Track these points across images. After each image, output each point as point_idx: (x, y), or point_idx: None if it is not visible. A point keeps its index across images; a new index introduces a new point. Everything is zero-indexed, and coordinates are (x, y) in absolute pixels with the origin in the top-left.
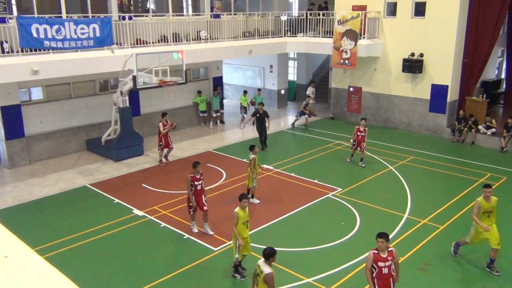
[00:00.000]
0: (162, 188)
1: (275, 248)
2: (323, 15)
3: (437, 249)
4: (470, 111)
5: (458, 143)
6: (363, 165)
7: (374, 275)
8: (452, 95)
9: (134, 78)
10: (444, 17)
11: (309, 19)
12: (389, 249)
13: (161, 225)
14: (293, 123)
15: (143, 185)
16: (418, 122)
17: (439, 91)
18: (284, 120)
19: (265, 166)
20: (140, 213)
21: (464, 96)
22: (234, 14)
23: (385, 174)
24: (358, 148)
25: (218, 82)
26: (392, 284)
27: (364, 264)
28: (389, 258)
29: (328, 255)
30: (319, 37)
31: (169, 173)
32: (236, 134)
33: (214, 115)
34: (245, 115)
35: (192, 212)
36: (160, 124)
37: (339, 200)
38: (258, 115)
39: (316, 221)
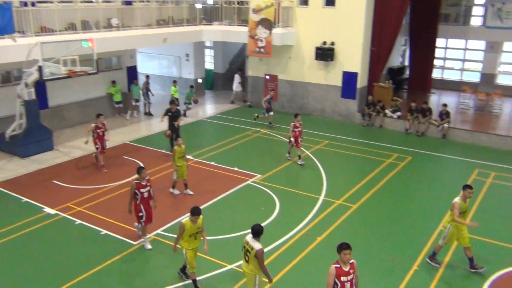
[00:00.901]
0: (76, 184)
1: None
2: (238, 3)
3: (351, 228)
4: (378, 97)
5: (367, 126)
6: (302, 163)
7: None
8: (361, 82)
9: (40, 68)
10: (352, 7)
11: (224, 7)
12: (350, 262)
13: (76, 223)
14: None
15: (54, 181)
16: (331, 108)
17: (349, 78)
18: (203, 110)
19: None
20: (52, 211)
21: (372, 82)
22: (147, 1)
23: (302, 159)
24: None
25: (132, 72)
26: None
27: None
28: (351, 271)
29: None
30: (234, 25)
31: (82, 168)
32: (154, 125)
33: (134, 103)
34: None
35: (144, 224)
36: (93, 125)
37: (258, 186)
38: (170, 113)
39: (237, 208)
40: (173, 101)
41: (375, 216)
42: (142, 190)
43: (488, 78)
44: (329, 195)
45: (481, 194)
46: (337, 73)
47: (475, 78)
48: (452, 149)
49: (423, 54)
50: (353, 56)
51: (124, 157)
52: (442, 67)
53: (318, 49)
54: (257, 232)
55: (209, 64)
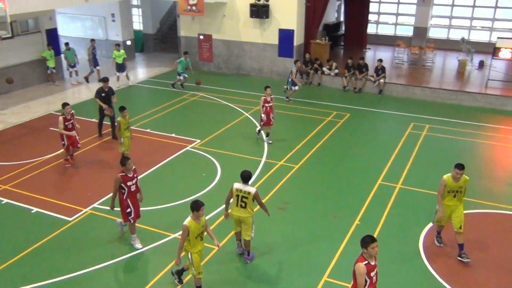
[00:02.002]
0: None
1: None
2: None
3: (294, 187)
4: (315, 54)
5: (306, 85)
6: (270, 141)
7: None
8: (298, 39)
9: None
10: None
11: None
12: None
13: (3, 202)
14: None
15: None
16: (269, 67)
17: (286, 36)
18: (134, 74)
19: None
20: None
21: (309, 40)
22: None
23: (242, 121)
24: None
25: (52, 35)
26: None
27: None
28: (376, 263)
29: None
30: None
31: (5, 142)
32: (83, 93)
33: (70, 70)
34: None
35: (132, 221)
36: (60, 118)
37: (198, 151)
38: (104, 94)
39: (177, 176)
40: (105, 79)
41: (317, 174)
42: (129, 183)
43: (420, 31)
44: (271, 156)
45: (417, 146)
46: (273, 31)
47: (408, 32)
48: (388, 104)
49: (357, 9)
50: (289, 12)
51: (51, 128)
52: (377, 22)
53: (252, 6)
54: (247, 177)
55: (137, 25)
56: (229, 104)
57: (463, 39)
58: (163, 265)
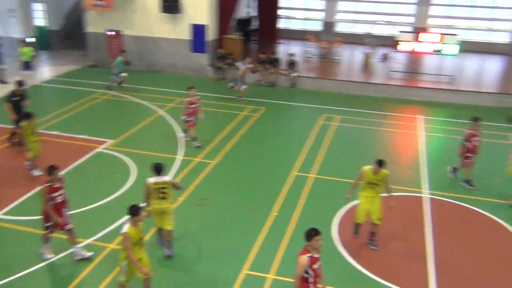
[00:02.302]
0: None
1: None
2: None
3: (211, 183)
4: (229, 49)
5: (221, 80)
6: (199, 144)
7: (310, 281)
8: (211, 34)
9: None
10: None
11: None
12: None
13: None
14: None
15: None
16: (183, 63)
17: (198, 31)
18: (39, 73)
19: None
20: None
21: (222, 35)
22: None
23: (156, 119)
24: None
25: None
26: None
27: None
28: (319, 256)
29: (107, 210)
30: None
31: None
32: None
33: None
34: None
35: (48, 235)
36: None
37: (111, 152)
38: (14, 98)
39: (89, 179)
40: (21, 82)
41: (234, 169)
42: (55, 194)
43: (328, 26)
44: (187, 153)
45: (329, 137)
46: (185, 26)
47: (318, 27)
48: (300, 97)
49: (268, 4)
50: (201, 7)
51: None
52: (288, 17)
53: (164, 1)
54: (160, 169)
55: (40, 20)
56: (142, 102)
57: (368, 33)
58: (77, 273)
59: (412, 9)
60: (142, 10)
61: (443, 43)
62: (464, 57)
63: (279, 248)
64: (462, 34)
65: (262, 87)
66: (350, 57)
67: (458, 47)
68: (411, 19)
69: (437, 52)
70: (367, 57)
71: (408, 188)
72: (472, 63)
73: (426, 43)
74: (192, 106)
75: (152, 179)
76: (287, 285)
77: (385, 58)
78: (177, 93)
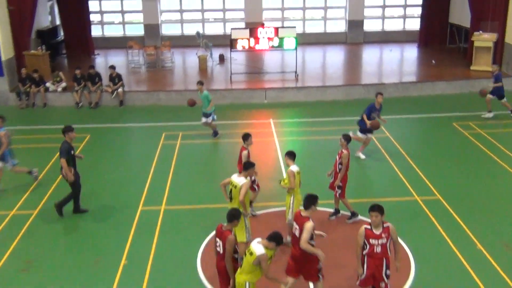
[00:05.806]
0: None
1: None
2: None
3: (36, 240)
4: (33, 68)
5: (28, 108)
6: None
7: (365, 253)
8: (6, 52)
9: None
10: None
11: None
12: (385, 225)
13: None
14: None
15: None
16: None
17: None
18: None
19: None
20: None
21: (21, 52)
22: None
23: None
24: None
25: None
26: (384, 265)
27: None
28: (383, 235)
29: None
30: None
31: None
32: None
33: None
34: None
35: None
36: None
37: None
38: None
39: None
40: None
41: (65, 216)
42: None
43: (152, 29)
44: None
45: (174, 159)
46: None
47: (139, 31)
48: (133, 116)
49: (74, 9)
50: None
51: None
52: (101, 23)
53: None
54: None
55: None
56: None
57: (198, 33)
58: None
59: (242, 3)
60: None
61: (279, 38)
62: (304, 50)
63: None
64: (299, 26)
65: (82, 110)
66: (183, 63)
67: (294, 40)
68: (242, 14)
69: (275, 48)
70: (201, 60)
71: (277, 203)
72: (312, 56)
73: (262, 39)
74: None
75: None
76: None
77: (222, 59)
78: None
